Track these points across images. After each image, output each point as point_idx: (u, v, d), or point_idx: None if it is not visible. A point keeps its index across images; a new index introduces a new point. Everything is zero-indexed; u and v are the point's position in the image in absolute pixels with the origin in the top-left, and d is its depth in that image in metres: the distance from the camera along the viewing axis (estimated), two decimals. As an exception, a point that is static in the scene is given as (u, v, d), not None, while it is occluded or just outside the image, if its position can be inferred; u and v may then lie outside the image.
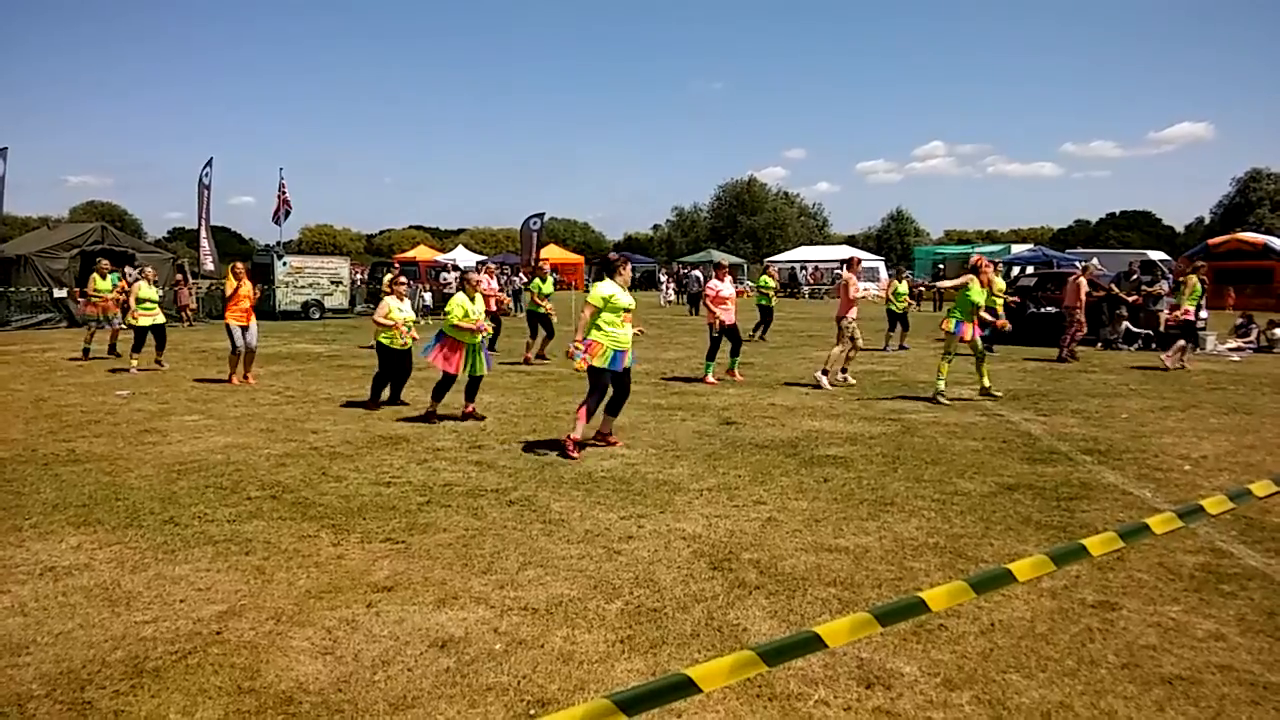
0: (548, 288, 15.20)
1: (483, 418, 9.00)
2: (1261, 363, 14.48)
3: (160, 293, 13.80)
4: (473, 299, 8.83)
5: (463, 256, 50.80)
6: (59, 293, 22.23)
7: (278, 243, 33.08)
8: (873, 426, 8.66)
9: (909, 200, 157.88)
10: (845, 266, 12.39)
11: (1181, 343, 13.78)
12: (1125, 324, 17.07)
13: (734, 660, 1.68)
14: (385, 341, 9.90)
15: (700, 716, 3.11)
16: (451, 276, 31.21)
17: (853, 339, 11.77)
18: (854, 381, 11.85)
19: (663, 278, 44.83)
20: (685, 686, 1.63)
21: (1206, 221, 73.67)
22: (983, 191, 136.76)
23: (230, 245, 67.26)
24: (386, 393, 10.05)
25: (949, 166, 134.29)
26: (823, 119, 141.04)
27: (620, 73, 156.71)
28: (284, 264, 27.53)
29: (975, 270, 10.35)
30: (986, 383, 10.54)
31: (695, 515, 5.58)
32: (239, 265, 12.20)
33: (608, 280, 7.41)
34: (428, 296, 27.85)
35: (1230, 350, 16.28)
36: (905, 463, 7.05)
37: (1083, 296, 15.01)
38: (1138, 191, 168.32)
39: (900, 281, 18.77)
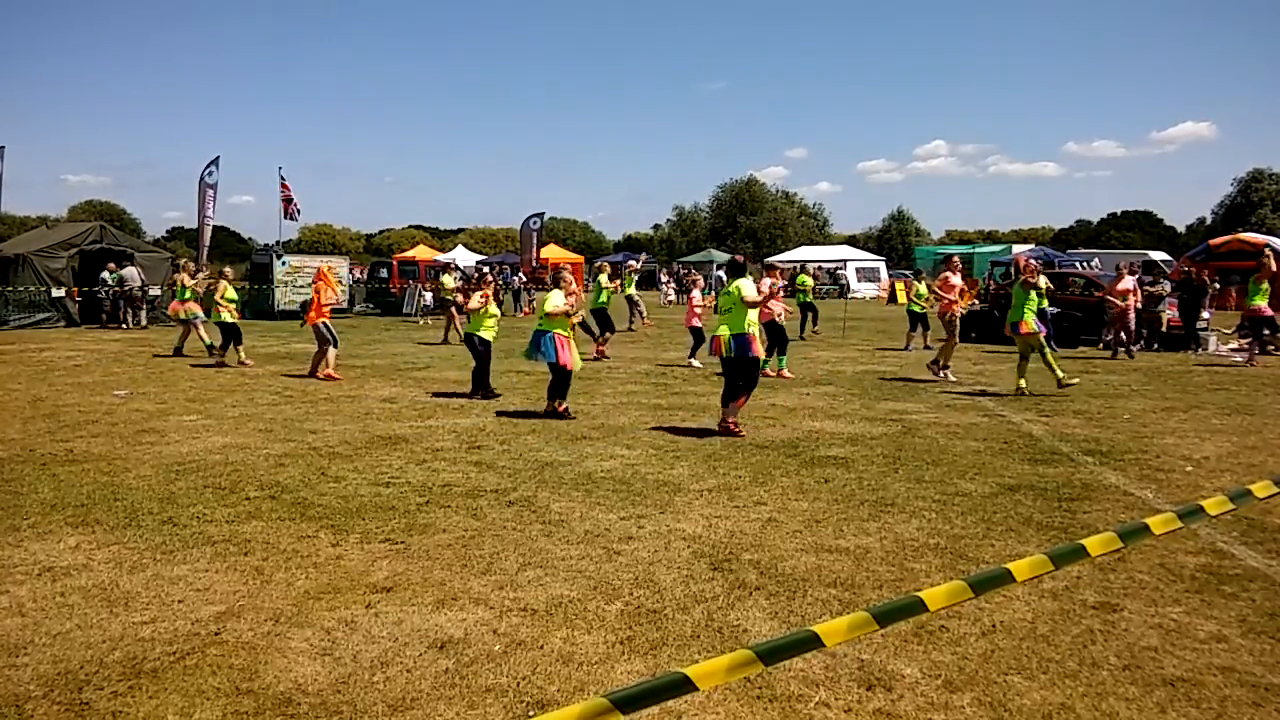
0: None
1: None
2: (1264, 363, 14.46)
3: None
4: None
5: (462, 256, 50.77)
6: (57, 292, 22.22)
7: (277, 242, 33.07)
8: (874, 427, 8.65)
9: (910, 200, 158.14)
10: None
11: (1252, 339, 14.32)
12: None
13: (731, 659, 1.67)
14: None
15: (700, 718, 3.09)
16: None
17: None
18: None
19: (664, 277, 44.74)
20: (683, 685, 1.62)
21: (1208, 222, 73.66)
22: (984, 191, 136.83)
23: (229, 245, 67.30)
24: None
25: (951, 166, 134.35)
26: (824, 118, 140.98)
27: (621, 72, 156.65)
28: (283, 264, 27.52)
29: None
30: (1060, 374, 10.69)
31: (695, 516, 5.57)
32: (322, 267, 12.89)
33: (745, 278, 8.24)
34: (428, 296, 27.82)
35: (1232, 351, 16.26)
36: (906, 463, 7.04)
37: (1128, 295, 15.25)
38: (1140, 191, 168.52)
39: (920, 283, 18.69)
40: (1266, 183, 66.84)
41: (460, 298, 10.22)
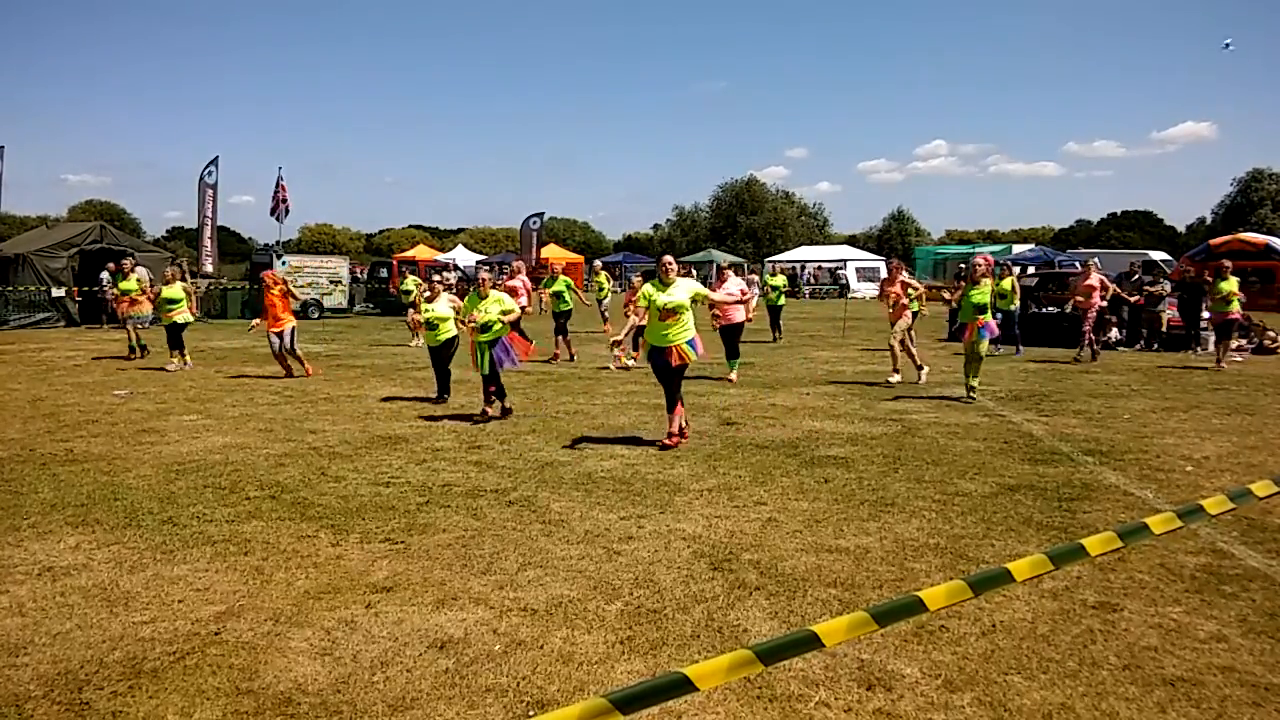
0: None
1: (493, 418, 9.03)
2: (1264, 363, 14.47)
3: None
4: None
5: (462, 256, 50.78)
6: (57, 292, 22.22)
7: (277, 242, 33.06)
8: (874, 427, 8.65)
9: (911, 200, 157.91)
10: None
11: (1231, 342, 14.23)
12: (1114, 329, 17.03)
13: (731, 659, 1.67)
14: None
15: (700, 717, 3.09)
16: (452, 276, 31.24)
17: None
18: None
19: None
20: (682, 685, 1.62)
21: (1208, 222, 73.63)
22: (985, 191, 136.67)
23: (230, 245, 67.18)
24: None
25: (951, 166, 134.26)
26: (824, 118, 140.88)
27: (622, 72, 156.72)
28: (283, 263, 27.50)
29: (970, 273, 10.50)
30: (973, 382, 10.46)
31: (695, 516, 5.57)
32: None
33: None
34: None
35: (1232, 351, 16.24)
36: (906, 463, 7.04)
37: (1100, 295, 14.91)
38: (1140, 192, 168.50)
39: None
40: (1266, 182, 66.78)
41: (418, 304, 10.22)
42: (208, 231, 29.52)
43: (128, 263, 16.34)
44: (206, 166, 28.96)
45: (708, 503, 5.88)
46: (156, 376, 12.54)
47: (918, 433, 8.32)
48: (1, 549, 4.90)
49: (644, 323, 7.97)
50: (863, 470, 6.80)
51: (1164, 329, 16.77)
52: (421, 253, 51.43)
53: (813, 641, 1.76)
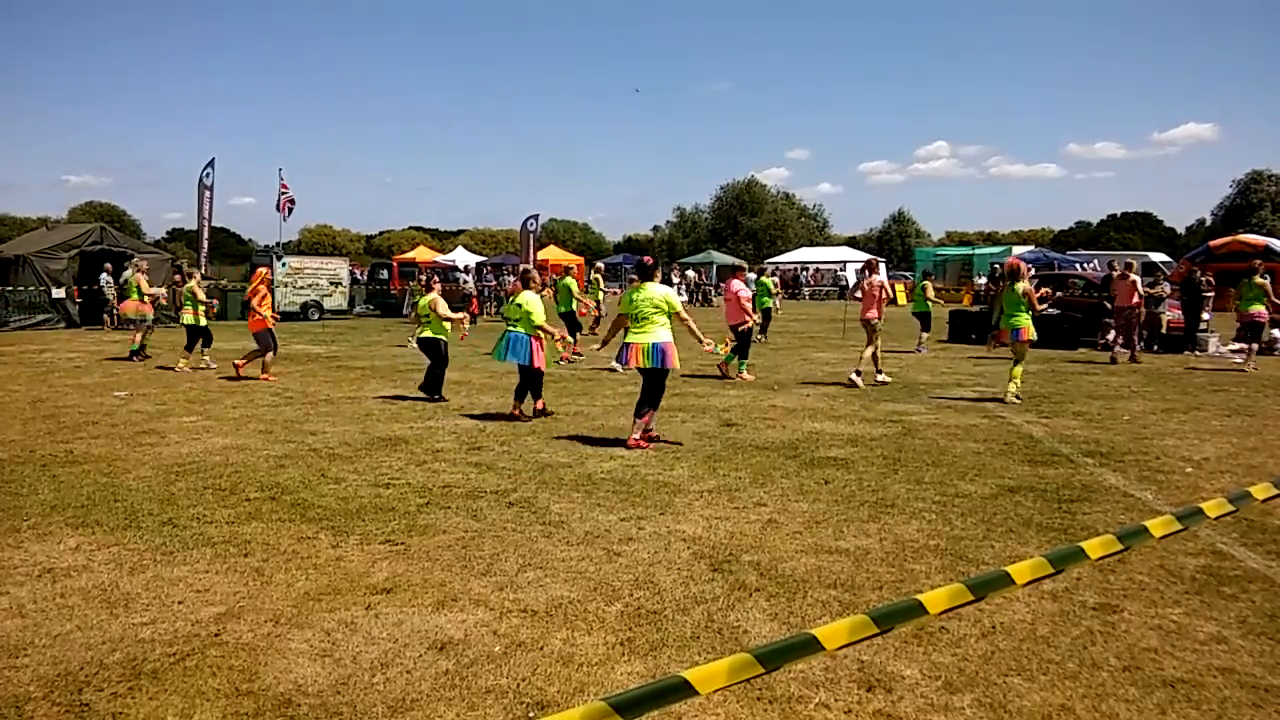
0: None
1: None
2: (1264, 364, 14.47)
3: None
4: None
5: (462, 257, 50.79)
6: (57, 293, 22.22)
7: (277, 243, 33.06)
8: (874, 428, 8.65)
9: (911, 201, 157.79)
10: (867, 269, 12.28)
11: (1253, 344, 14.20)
12: (1112, 331, 17.02)
13: (731, 663, 1.67)
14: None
15: (700, 718, 3.09)
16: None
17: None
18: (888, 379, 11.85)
19: (675, 278, 44.51)
20: (682, 689, 1.62)
21: (1207, 223, 73.66)
22: (986, 193, 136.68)
23: (229, 246, 67.27)
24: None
25: (952, 168, 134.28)
26: (826, 120, 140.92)
27: (623, 73, 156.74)
28: (283, 265, 27.50)
29: (1014, 274, 10.53)
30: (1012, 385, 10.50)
31: (695, 517, 5.57)
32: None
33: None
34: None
35: (1233, 352, 16.26)
36: (906, 465, 7.04)
37: (1139, 296, 15.06)
38: (1141, 193, 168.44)
39: (928, 282, 18.63)
40: (1266, 184, 66.84)
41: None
42: (206, 232, 29.56)
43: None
44: (205, 168, 28.98)
45: (708, 504, 5.88)
46: (156, 378, 12.54)
47: (917, 434, 8.33)
48: (2, 550, 4.90)
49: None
50: (863, 472, 6.81)
51: (1164, 330, 16.78)
52: (421, 254, 51.46)
53: (813, 645, 1.76)
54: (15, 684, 3.35)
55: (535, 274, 9.73)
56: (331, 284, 28.79)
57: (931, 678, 3.39)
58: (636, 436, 7.66)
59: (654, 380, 7.69)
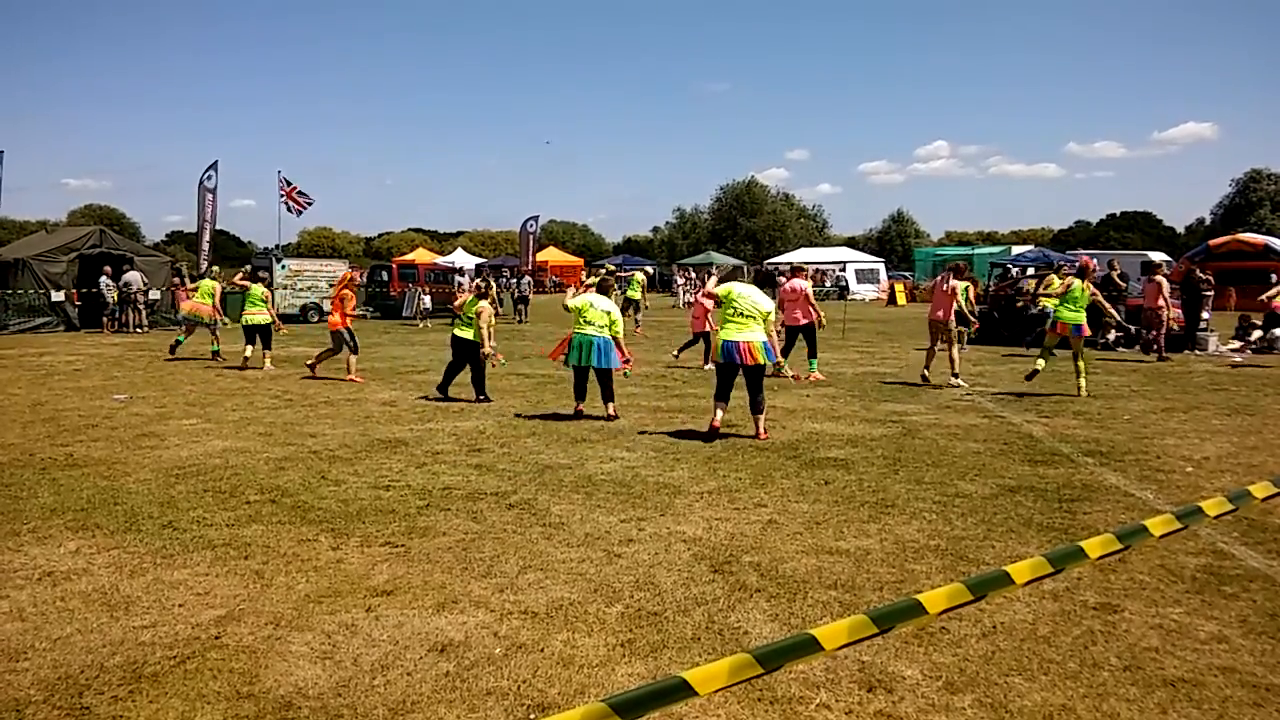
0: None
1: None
2: (1264, 363, 14.46)
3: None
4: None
5: (462, 259, 50.85)
6: (57, 296, 22.21)
7: (276, 246, 33.07)
8: (874, 429, 8.65)
9: (911, 201, 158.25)
10: (954, 274, 12.09)
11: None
12: (1112, 331, 17.01)
13: (731, 663, 1.67)
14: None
15: (700, 719, 3.09)
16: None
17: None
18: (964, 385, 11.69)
19: (679, 279, 44.44)
20: (682, 690, 1.62)
21: (1207, 222, 73.68)
22: (985, 192, 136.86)
23: (229, 248, 67.22)
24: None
25: (952, 168, 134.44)
26: (825, 120, 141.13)
27: (623, 74, 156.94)
28: (283, 267, 27.51)
29: (1083, 271, 10.93)
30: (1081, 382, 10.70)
31: (696, 518, 5.57)
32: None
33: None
34: (427, 299, 27.80)
35: (1233, 351, 16.26)
36: (906, 465, 7.04)
37: (1165, 297, 15.28)
38: (1141, 192, 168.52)
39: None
40: (1265, 183, 66.86)
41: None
42: (206, 235, 29.55)
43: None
44: (206, 170, 28.98)
45: (708, 505, 5.88)
46: (156, 380, 12.54)
47: (918, 434, 8.32)
48: (2, 554, 4.90)
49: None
50: (863, 472, 6.80)
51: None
52: (421, 256, 51.48)
53: (813, 645, 1.76)
54: (16, 687, 3.35)
55: (612, 281, 9.99)
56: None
57: (932, 678, 3.39)
58: (761, 431, 8.16)
59: (757, 376, 8.11)
